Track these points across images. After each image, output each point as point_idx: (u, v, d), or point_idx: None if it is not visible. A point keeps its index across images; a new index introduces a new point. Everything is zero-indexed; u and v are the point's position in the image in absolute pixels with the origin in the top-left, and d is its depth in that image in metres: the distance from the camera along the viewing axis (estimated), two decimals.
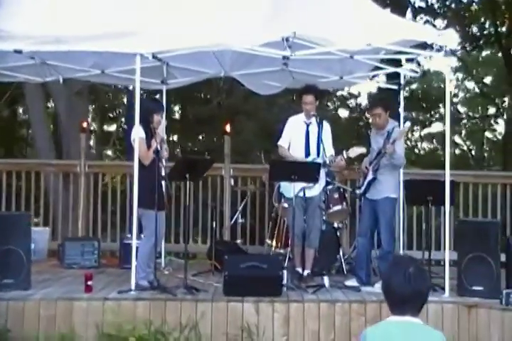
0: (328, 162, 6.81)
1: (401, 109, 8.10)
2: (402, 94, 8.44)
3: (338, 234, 7.99)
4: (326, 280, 6.62)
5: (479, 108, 25.65)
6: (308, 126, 7.11)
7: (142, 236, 8.32)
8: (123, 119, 16.47)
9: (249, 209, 9.23)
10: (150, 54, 6.67)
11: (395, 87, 8.39)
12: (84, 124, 9.89)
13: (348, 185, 8.82)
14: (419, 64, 10.28)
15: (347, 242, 8.80)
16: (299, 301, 6.06)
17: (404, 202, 7.87)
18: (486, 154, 26.61)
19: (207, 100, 13.38)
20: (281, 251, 8.03)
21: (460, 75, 25.85)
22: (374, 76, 9.14)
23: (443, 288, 6.51)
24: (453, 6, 17.16)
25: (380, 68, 8.26)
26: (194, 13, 6.66)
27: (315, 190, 7.01)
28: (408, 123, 7.12)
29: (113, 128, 16.58)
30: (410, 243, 9.00)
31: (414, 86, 22.84)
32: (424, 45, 7.04)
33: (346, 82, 8.72)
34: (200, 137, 13.77)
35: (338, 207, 7.89)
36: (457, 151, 25.95)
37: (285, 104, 12.73)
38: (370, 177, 6.99)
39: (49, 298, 6.01)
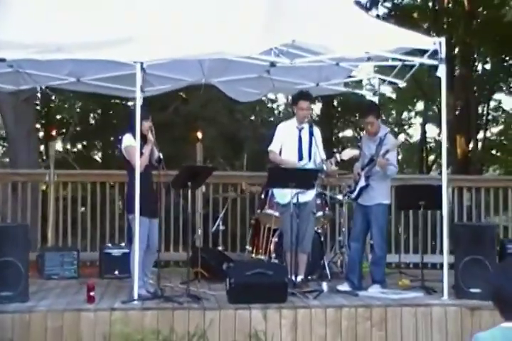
0: (325, 168, 6.89)
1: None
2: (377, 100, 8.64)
3: (322, 239, 8.06)
4: (324, 285, 6.70)
5: (393, 113, 25.87)
6: (300, 131, 7.18)
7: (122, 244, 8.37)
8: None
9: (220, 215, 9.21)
10: (145, 62, 6.57)
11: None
12: (54, 132, 9.70)
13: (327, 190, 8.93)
14: None
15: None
16: (306, 307, 6.10)
17: (396, 208, 8.03)
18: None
19: (162, 107, 13.25)
20: (262, 257, 8.05)
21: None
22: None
23: (435, 291, 6.70)
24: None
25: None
26: (189, 21, 6.61)
27: (308, 196, 7.08)
28: (403, 135, 7.30)
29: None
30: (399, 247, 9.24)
31: None
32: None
33: (322, 89, 8.81)
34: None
35: (320, 213, 7.97)
36: None
37: (244, 109, 12.78)
38: (362, 183, 7.09)
39: (55, 310, 5.88)
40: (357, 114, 20.31)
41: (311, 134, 7.13)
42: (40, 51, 6.15)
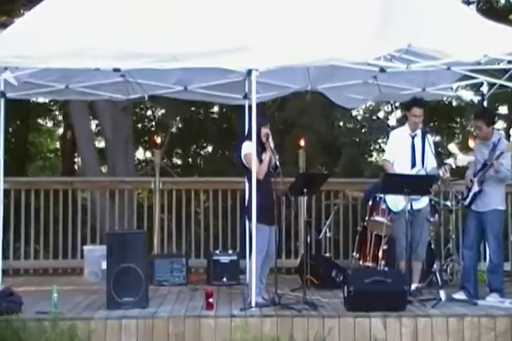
0: (441, 175, 6.77)
1: None
2: (485, 104, 8.43)
3: (433, 246, 7.92)
4: (442, 293, 6.54)
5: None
6: (413, 138, 7.09)
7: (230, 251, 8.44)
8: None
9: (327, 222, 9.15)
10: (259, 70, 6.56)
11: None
12: (158, 140, 9.87)
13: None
14: None
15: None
16: (427, 316, 6.00)
17: None
18: None
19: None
20: (369, 264, 7.96)
21: None
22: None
23: None
24: None
25: (466, 78, 8.18)
26: (300, 26, 6.61)
27: (422, 202, 6.99)
28: None
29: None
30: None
31: None
32: None
33: (428, 94, 8.65)
34: None
35: (431, 219, 7.83)
36: None
37: (340, 116, 12.71)
38: (476, 189, 6.93)
39: (176, 316, 5.95)
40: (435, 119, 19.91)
41: (424, 141, 7.03)
42: (157, 60, 6.27)
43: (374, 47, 6.22)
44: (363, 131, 13.29)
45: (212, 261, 8.26)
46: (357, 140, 12.80)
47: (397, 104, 14.55)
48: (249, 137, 6.41)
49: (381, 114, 14.25)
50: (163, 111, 16.56)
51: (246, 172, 6.49)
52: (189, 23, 6.50)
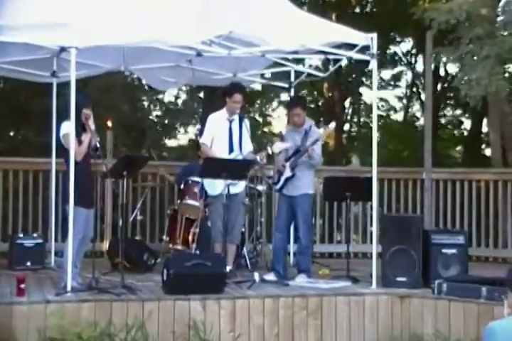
0: (259, 160, 6.91)
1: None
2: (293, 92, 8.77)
3: (243, 229, 8.08)
4: (256, 275, 6.69)
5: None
6: (231, 122, 7.17)
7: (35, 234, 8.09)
8: None
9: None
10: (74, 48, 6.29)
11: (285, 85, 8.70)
12: None
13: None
14: None
15: None
16: (244, 297, 6.12)
17: (323, 199, 8.19)
18: None
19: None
20: (179, 247, 7.97)
21: None
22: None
23: (358, 280, 6.95)
24: None
25: (276, 65, 8.42)
26: (125, 8, 6.44)
27: (240, 187, 7.09)
28: (333, 124, 7.42)
29: None
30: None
31: None
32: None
33: (239, 79, 8.78)
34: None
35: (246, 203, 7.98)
36: None
37: (146, 98, 12.58)
38: (288, 173, 7.16)
39: None
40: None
41: (241, 126, 7.13)
42: None
43: (196, 31, 6.22)
44: (166, 114, 13.25)
45: (15, 245, 7.84)
46: (161, 122, 12.71)
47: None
48: (69, 117, 6.14)
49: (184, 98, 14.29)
50: None
51: (63, 153, 6.24)
52: None
